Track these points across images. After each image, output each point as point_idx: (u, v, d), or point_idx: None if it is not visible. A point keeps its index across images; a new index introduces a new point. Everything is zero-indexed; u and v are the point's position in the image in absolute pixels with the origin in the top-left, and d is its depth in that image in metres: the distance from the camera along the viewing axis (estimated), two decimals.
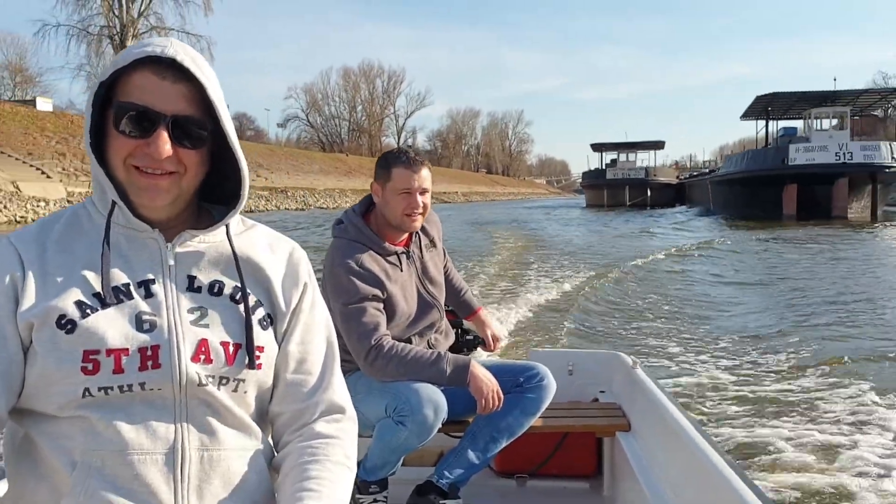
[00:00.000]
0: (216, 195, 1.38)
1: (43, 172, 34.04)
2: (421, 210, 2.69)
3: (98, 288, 1.23)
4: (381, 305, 2.64)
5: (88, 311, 1.21)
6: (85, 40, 53.91)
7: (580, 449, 3.23)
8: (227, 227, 1.34)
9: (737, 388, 6.31)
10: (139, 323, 1.22)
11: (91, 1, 53.80)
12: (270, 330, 1.34)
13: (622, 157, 68.88)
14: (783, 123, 46.68)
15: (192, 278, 1.30)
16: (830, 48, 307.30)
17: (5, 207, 28.30)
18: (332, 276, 2.63)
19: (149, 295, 1.25)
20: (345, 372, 1.51)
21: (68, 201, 30.61)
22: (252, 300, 1.32)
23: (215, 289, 1.31)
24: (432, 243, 2.91)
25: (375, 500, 2.71)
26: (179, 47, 1.23)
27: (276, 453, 1.38)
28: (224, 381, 1.26)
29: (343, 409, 1.39)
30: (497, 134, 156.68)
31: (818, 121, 40.29)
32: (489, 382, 2.60)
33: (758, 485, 2.03)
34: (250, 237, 1.39)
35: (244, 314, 1.30)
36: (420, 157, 2.72)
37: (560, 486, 3.23)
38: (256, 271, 1.35)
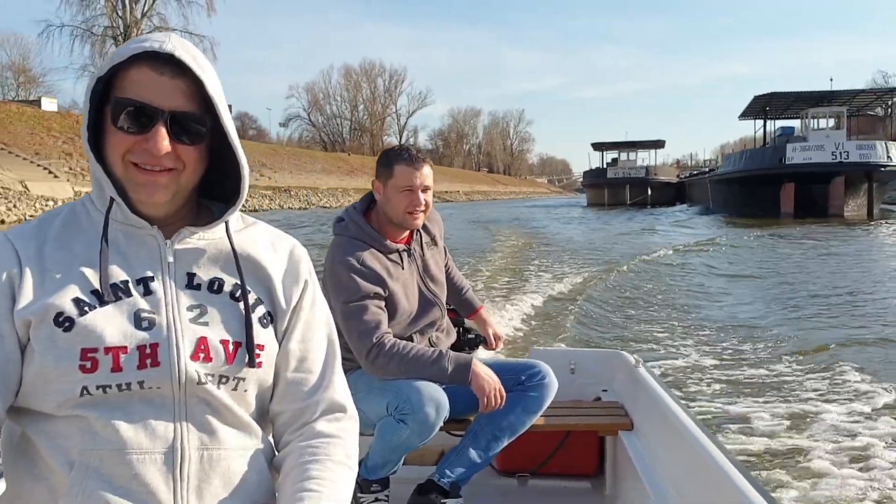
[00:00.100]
0: (216, 192, 1.37)
1: (50, 172, 34.45)
2: (423, 207, 2.68)
3: (96, 285, 1.22)
4: (382, 303, 2.62)
5: (87, 308, 1.20)
6: (89, 41, 54.37)
7: (582, 448, 3.22)
8: (226, 224, 1.33)
9: (724, 371, 6.85)
10: (138, 321, 1.21)
11: (95, 1, 54.26)
12: (271, 328, 1.33)
13: (623, 156, 69.06)
14: (781, 123, 47.18)
15: (191, 276, 1.29)
16: (831, 48, 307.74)
17: (14, 206, 28.71)
18: (333, 274, 2.62)
19: (148, 292, 1.25)
20: (346, 370, 1.50)
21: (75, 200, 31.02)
22: (252, 298, 1.31)
23: (215, 286, 1.30)
24: (433, 241, 2.91)
25: (377, 499, 2.70)
26: (178, 42, 1.22)
27: (276, 453, 1.37)
28: (224, 379, 1.25)
29: (344, 407, 1.38)
30: (498, 133, 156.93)
31: (815, 120, 40.79)
32: (491, 381, 2.59)
33: (762, 486, 2.03)
34: (250, 234, 1.38)
35: (244, 312, 1.28)
36: (422, 155, 2.72)
37: (562, 485, 3.21)
38: (257, 269, 1.34)
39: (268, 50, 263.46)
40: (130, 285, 1.24)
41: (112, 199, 1.26)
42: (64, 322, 1.18)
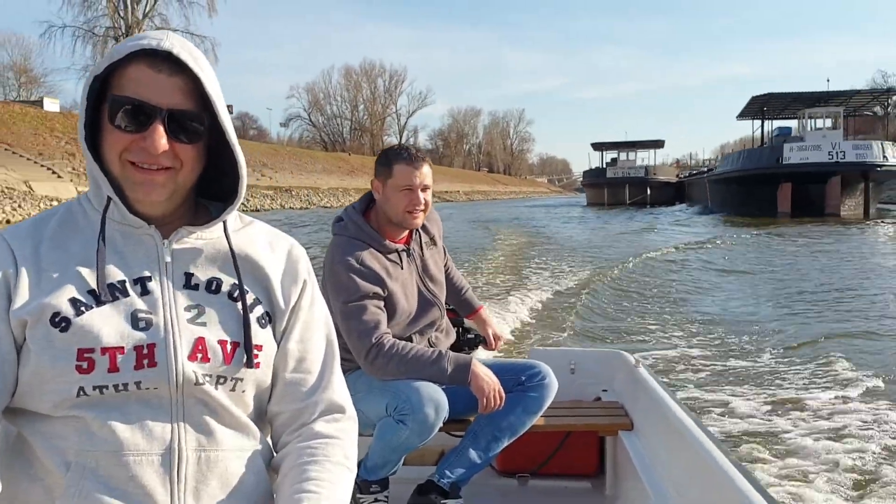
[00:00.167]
0: (214, 191, 1.36)
1: (54, 172, 34.69)
2: (422, 207, 2.67)
3: (93, 285, 1.21)
4: (381, 303, 2.62)
5: (83, 308, 1.19)
6: (90, 41, 54.58)
7: (582, 448, 3.22)
8: (224, 223, 1.32)
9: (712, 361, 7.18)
10: (135, 321, 1.21)
11: (97, 2, 54.58)
12: (269, 328, 1.32)
13: (622, 156, 69.20)
14: (778, 123, 47.53)
15: (189, 275, 1.28)
16: (832, 48, 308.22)
17: (20, 206, 28.96)
18: (332, 274, 2.61)
19: (145, 292, 1.24)
20: (345, 371, 1.49)
21: None
22: (250, 298, 1.30)
23: (213, 286, 1.29)
24: (432, 241, 2.90)
25: (376, 500, 2.69)
26: (176, 40, 1.21)
27: (274, 453, 1.36)
28: (221, 380, 1.25)
29: (343, 408, 1.38)
30: (498, 133, 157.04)
31: (812, 121, 41.14)
32: (490, 381, 2.58)
33: (763, 486, 2.02)
34: (248, 234, 1.37)
35: (242, 312, 1.28)
36: (421, 154, 2.71)
37: (562, 485, 3.21)
38: (255, 268, 1.33)
39: (269, 50, 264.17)
40: (127, 285, 1.23)
41: (109, 198, 1.25)
42: (60, 322, 1.17)
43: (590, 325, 8.98)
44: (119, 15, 54.63)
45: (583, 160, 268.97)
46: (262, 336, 1.30)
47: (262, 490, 1.30)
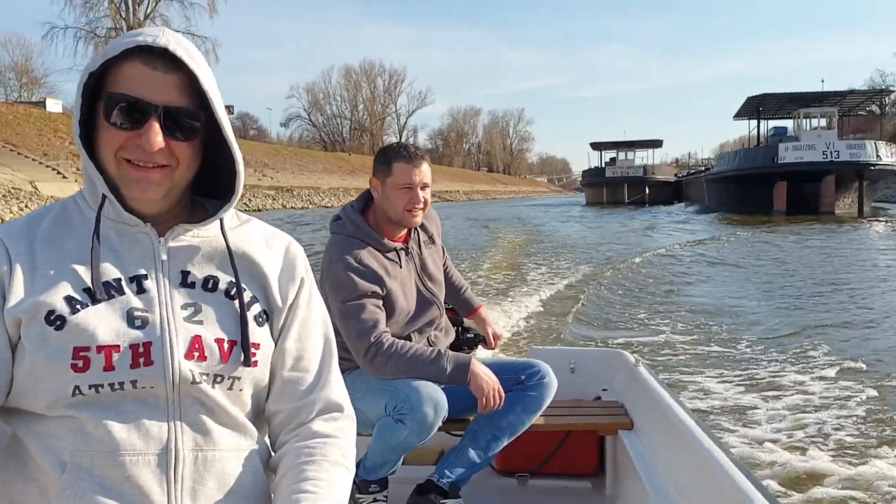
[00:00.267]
0: (210, 189, 1.35)
1: (59, 173, 35.01)
2: (422, 205, 2.67)
3: (88, 283, 1.20)
4: (380, 302, 2.61)
5: (78, 306, 1.18)
6: (92, 42, 54.98)
7: (582, 447, 3.22)
8: (221, 221, 1.32)
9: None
10: (131, 319, 1.20)
11: (98, 4, 55.09)
12: (266, 326, 1.31)
13: (621, 155, 69.48)
14: (774, 123, 48.08)
15: (185, 273, 1.27)
16: (830, 47, 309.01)
17: (27, 206, 29.32)
18: (331, 273, 2.60)
19: (141, 290, 1.23)
20: (344, 370, 1.48)
21: None
22: (247, 296, 1.29)
23: (209, 284, 1.28)
24: (431, 240, 2.89)
25: (375, 500, 2.68)
26: (171, 37, 1.20)
27: (272, 453, 1.35)
28: (219, 378, 1.24)
29: (341, 407, 1.37)
30: (498, 132, 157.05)
31: (807, 120, 41.80)
32: (490, 380, 2.57)
33: (764, 485, 2.02)
34: (245, 232, 1.36)
35: (239, 310, 1.27)
36: (420, 152, 2.70)
37: (562, 485, 3.21)
38: (252, 266, 1.33)
39: (268, 50, 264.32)
40: (123, 283, 1.23)
41: (104, 196, 1.24)
42: (55, 320, 1.16)
43: (590, 324, 9.11)
44: (120, 16, 55.07)
45: (582, 160, 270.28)
46: (259, 334, 1.29)
47: (259, 490, 1.29)
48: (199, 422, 1.23)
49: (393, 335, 2.62)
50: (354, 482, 1.48)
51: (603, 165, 69.97)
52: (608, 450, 3.19)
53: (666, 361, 7.05)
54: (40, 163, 35.55)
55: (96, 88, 1.21)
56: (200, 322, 1.24)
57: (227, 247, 1.30)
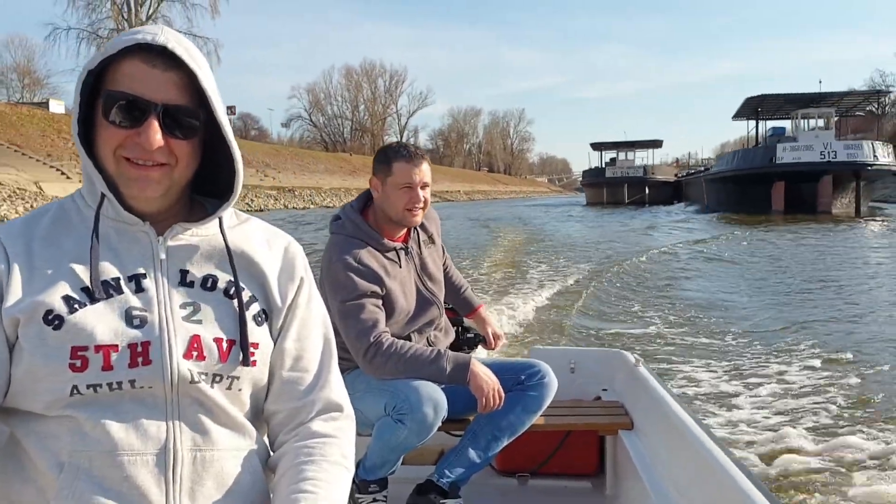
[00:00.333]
0: (209, 187, 1.35)
1: (63, 173, 35.20)
2: (422, 204, 2.66)
3: (87, 282, 1.20)
4: (379, 302, 2.60)
5: (76, 306, 1.18)
6: (94, 43, 55.09)
7: (582, 447, 3.22)
8: (220, 220, 1.31)
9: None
10: (129, 318, 1.19)
11: (101, 5, 55.37)
12: (265, 326, 1.30)
13: (621, 155, 69.66)
14: (773, 123, 48.44)
15: (184, 272, 1.27)
16: (830, 47, 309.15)
17: (31, 206, 29.54)
18: (331, 273, 2.59)
19: (139, 290, 1.22)
20: (343, 370, 1.47)
21: None
22: (246, 295, 1.29)
23: (208, 283, 1.28)
24: (431, 240, 2.89)
25: (375, 500, 2.68)
26: (171, 35, 1.20)
27: (271, 453, 1.35)
28: (217, 378, 1.23)
29: (340, 407, 1.36)
30: (498, 132, 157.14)
31: (805, 121, 42.17)
32: (490, 380, 2.57)
33: (765, 485, 2.02)
34: (244, 231, 1.36)
35: (238, 309, 1.26)
36: (420, 151, 2.70)
37: (562, 485, 3.21)
38: (251, 266, 1.32)
39: (267, 50, 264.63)
40: (122, 282, 1.22)
41: (103, 195, 1.24)
42: (53, 320, 1.16)
43: (590, 323, 9.16)
44: (123, 17, 55.27)
45: (583, 160, 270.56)
46: (258, 334, 1.28)
47: (258, 490, 1.28)
48: (198, 421, 1.22)
49: (392, 335, 2.62)
50: (354, 482, 1.43)
51: (603, 166, 70.16)
52: (608, 450, 3.19)
53: (655, 351, 7.41)
54: (44, 163, 35.79)
55: (95, 87, 1.21)
56: (199, 321, 1.24)
57: (226, 246, 1.30)
